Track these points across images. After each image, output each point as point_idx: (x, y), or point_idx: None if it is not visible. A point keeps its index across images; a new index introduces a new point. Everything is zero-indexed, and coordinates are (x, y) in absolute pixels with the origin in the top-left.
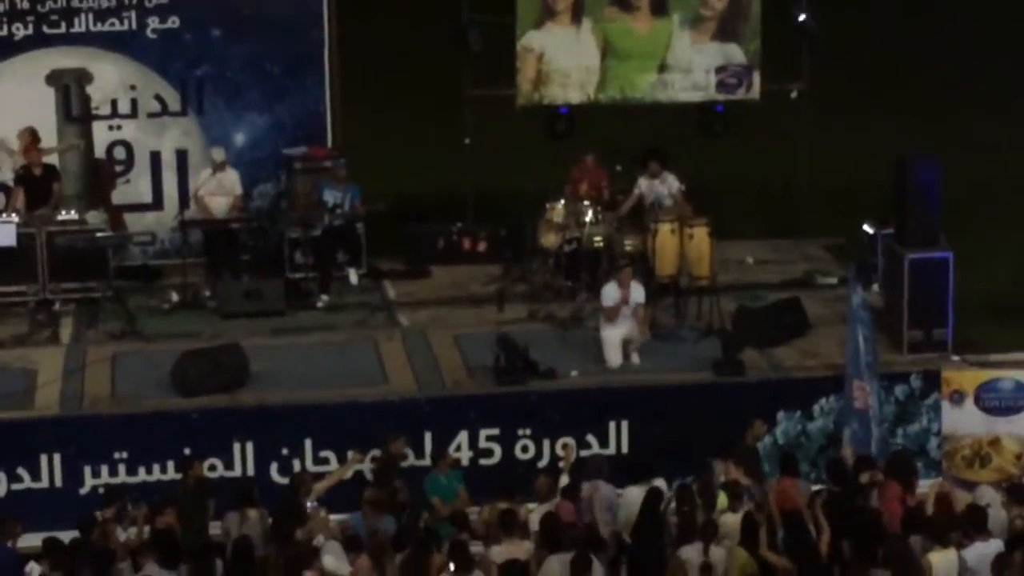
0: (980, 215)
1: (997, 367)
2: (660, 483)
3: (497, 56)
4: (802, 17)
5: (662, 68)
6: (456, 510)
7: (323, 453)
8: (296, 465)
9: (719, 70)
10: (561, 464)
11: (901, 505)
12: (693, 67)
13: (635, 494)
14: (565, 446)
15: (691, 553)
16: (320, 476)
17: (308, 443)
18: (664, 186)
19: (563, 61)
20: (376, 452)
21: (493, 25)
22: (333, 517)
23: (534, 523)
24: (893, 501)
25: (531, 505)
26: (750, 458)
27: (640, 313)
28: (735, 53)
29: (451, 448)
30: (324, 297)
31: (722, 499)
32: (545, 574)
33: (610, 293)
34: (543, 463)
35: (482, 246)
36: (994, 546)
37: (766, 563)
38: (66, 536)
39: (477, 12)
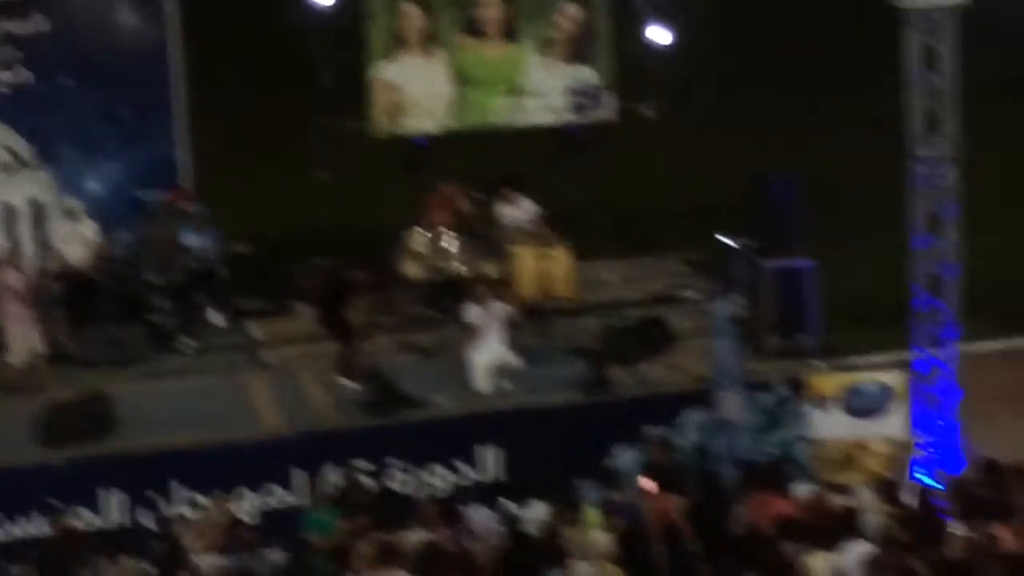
0: (839, 223)
1: (861, 370)
2: (539, 506)
3: (351, 88)
4: (662, 38)
5: (516, 92)
6: (335, 545)
7: (193, 496)
8: (166, 510)
9: (573, 92)
10: None
11: (773, 512)
12: (547, 90)
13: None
14: None
15: None
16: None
17: (177, 487)
18: (520, 211)
19: (417, 91)
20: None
21: (345, 56)
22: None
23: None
24: (763, 508)
25: (412, 533)
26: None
27: (506, 331)
28: (588, 75)
29: (326, 483)
30: (188, 341)
31: (592, 517)
32: None
33: (472, 312)
34: (418, 493)
35: None
36: (866, 547)
37: None
38: None
39: (327, 45)
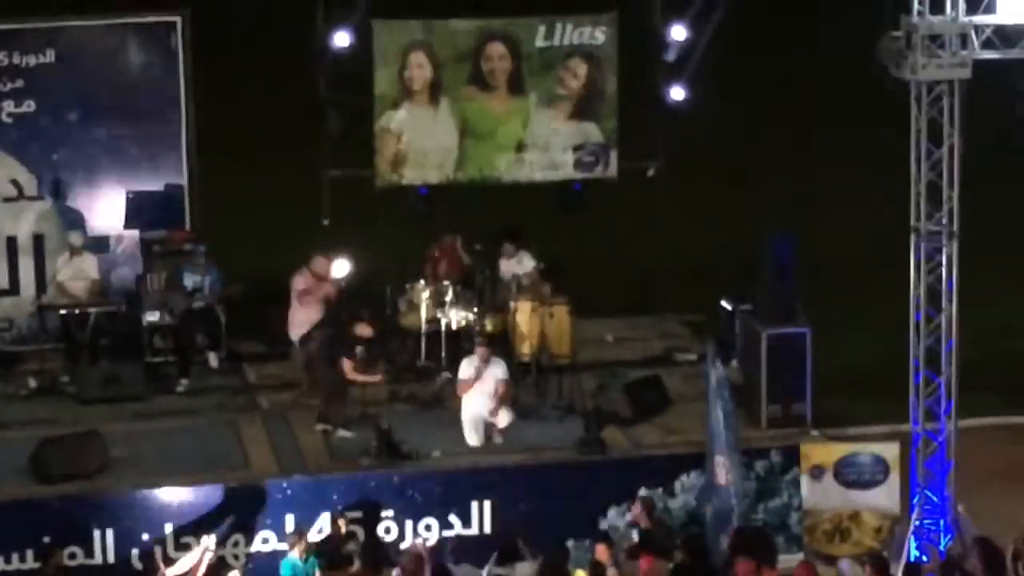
0: (838, 291)
1: (855, 441)
2: (526, 566)
3: (356, 137)
4: (675, 96)
5: (520, 147)
6: None
7: (184, 539)
8: (157, 552)
9: (576, 149)
10: None
11: None
12: (551, 146)
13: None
14: None
15: None
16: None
17: (169, 528)
18: (520, 266)
19: (421, 142)
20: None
21: (351, 106)
22: None
23: None
24: None
25: None
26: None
27: (502, 390)
28: (592, 132)
29: (314, 530)
30: (184, 381)
31: None
32: None
33: (466, 368)
34: (405, 544)
35: None
36: None
37: None
38: None
39: (334, 93)
